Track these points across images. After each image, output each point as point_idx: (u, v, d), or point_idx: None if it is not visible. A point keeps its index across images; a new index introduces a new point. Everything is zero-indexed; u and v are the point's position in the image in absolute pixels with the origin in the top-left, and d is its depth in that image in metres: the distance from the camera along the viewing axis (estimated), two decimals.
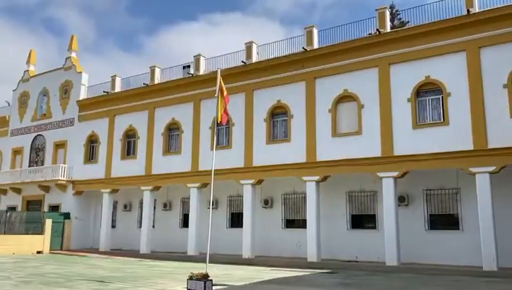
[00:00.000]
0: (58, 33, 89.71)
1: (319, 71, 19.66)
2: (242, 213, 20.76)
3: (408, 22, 22.31)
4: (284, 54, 20.86)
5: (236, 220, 22.41)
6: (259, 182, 20.67)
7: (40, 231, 24.76)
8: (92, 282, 11.70)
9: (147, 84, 25.36)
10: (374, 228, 18.91)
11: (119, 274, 14.06)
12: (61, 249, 25.63)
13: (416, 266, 16.20)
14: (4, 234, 23.58)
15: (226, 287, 11.02)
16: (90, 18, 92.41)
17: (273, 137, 20.73)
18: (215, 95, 11.05)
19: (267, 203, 21.59)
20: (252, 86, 21.47)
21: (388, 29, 18.51)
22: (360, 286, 11.90)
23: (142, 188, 24.17)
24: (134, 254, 23.01)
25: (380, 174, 17.36)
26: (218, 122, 11.25)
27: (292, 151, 19.63)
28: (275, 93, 20.75)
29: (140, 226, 24.33)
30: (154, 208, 24.82)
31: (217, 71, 12.22)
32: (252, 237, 19.97)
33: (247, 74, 21.62)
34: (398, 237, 16.79)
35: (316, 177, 18.79)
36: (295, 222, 21.09)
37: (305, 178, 19.05)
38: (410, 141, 17.03)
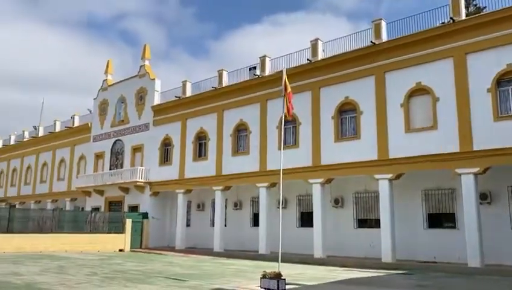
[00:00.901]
0: (133, 43, 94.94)
1: (388, 65, 18.99)
2: (312, 212, 20.60)
3: (485, 7, 20.82)
4: (351, 49, 20.38)
5: (306, 219, 22.29)
6: (329, 181, 20.39)
7: (121, 230, 26.35)
8: (170, 279, 12.24)
9: (215, 88, 26.06)
10: (453, 227, 17.86)
11: (195, 272, 14.57)
12: (140, 247, 27.09)
13: (504, 268, 15.06)
14: (90, 233, 25.41)
15: (298, 286, 11.00)
16: (161, 27, 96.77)
17: (341, 135, 20.34)
18: (281, 94, 11.08)
19: (338, 202, 21.23)
20: (318, 84, 21.24)
21: (463, 17, 17.40)
22: (439, 288, 11.30)
23: (214, 188, 24.86)
24: (208, 252, 23.71)
25: (459, 171, 16.36)
26: (286, 116, 11.27)
27: (362, 149, 19.13)
28: (342, 90, 20.36)
29: (213, 225, 25.04)
30: (226, 207, 25.43)
31: (281, 71, 12.25)
32: (323, 237, 19.75)
33: (313, 72, 21.42)
34: (480, 236, 15.71)
35: (389, 175, 18.15)
36: (367, 222, 20.54)
37: (377, 176, 18.48)
38: (491, 133, 15.87)
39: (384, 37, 19.43)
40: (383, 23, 19.61)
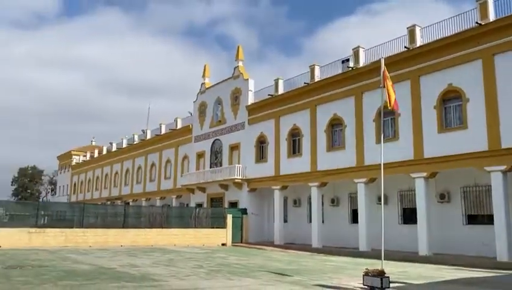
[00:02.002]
0: (228, 46, 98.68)
1: (498, 46, 17.28)
2: (415, 208, 19.56)
3: None
4: (453, 33, 18.92)
5: (409, 215, 21.24)
6: (433, 174, 19.19)
7: (223, 225, 27.54)
8: (271, 273, 12.51)
9: (308, 83, 25.97)
10: None
11: (295, 267, 14.70)
12: (241, 242, 28.06)
13: None
14: (195, 227, 26.96)
15: (403, 285, 10.54)
16: (253, 28, 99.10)
17: (445, 125, 19.01)
18: (380, 86, 10.66)
19: (444, 197, 19.89)
20: (417, 72, 20.08)
21: None
22: None
23: (309, 184, 24.83)
24: (307, 248, 23.76)
25: None
26: (390, 108, 10.80)
27: (470, 139, 17.68)
28: (444, 77, 19.01)
29: (311, 221, 25.02)
30: (322, 203, 25.24)
31: (377, 61, 11.81)
32: (429, 234, 18.65)
33: (411, 60, 20.30)
34: None
35: (503, 167, 16.55)
36: (478, 218, 18.96)
37: (488, 168, 16.96)
38: None
39: (492, 17, 17.72)
40: (490, 1, 17.88)
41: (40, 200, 68.96)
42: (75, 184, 61.87)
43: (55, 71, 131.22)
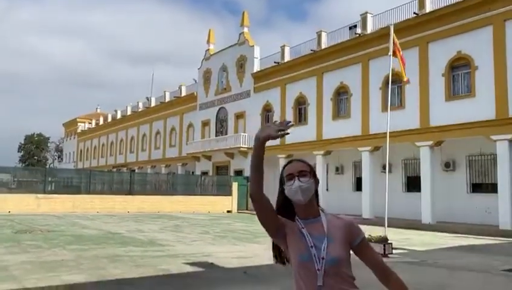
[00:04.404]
0: (236, 12, 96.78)
1: (510, 12, 16.81)
2: (419, 177, 19.62)
3: None
4: None
5: (413, 184, 21.33)
6: (438, 143, 19.13)
7: (229, 193, 27.84)
8: None
9: (314, 50, 25.57)
10: None
11: None
12: (246, 209, 28.42)
13: None
14: (200, 195, 27.29)
15: (406, 251, 10.70)
16: None
17: (453, 93, 18.79)
18: (388, 54, 10.46)
19: (448, 166, 19.90)
20: (426, 39, 19.68)
21: None
22: None
23: (314, 153, 24.86)
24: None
25: None
26: (404, 81, 10.67)
27: (478, 107, 17.49)
28: (454, 44, 18.63)
29: None
30: (327, 172, 25.34)
31: (385, 28, 11.56)
32: (432, 202, 18.78)
33: (420, 26, 19.86)
34: None
35: (509, 136, 16.44)
36: (482, 186, 19.02)
37: (494, 137, 16.85)
38: None
39: None
40: None
41: (47, 167, 69.72)
42: (81, 151, 62.37)
43: (59, 38, 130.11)
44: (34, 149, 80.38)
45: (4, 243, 10.41)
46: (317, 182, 1.86)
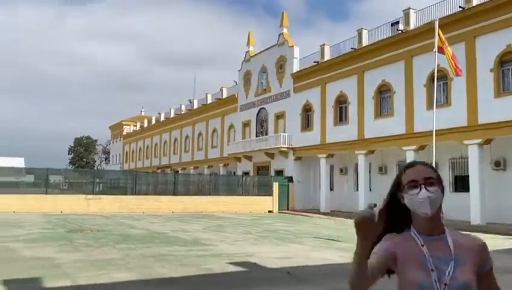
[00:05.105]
0: (276, 14, 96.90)
1: None
2: (467, 176, 18.88)
3: None
4: None
5: (460, 183, 20.55)
6: (488, 141, 18.33)
7: (269, 193, 27.92)
8: (319, 239, 12.66)
9: (355, 48, 25.19)
10: None
11: (342, 234, 14.74)
12: (287, 209, 28.38)
13: None
14: (242, 195, 27.53)
15: None
16: None
17: (503, 89, 17.95)
18: (433, 49, 10.15)
19: (499, 165, 19.01)
20: (473, 33, 18.91)
21: None
22: None
23: (356, 152, 24.49)
24: (353, 215, 23.57)
25: None
26: (454, 75, 10.34)
27: None
28: (503, 38, 17.80)
29: (357, 189, 24.82)
30: (370, 171, 24.90)
31: (429, 23, 11.22)
32: (482, 202, 18.02)
33: (466, 20, 19.11)
34: None
35: None
36: None
37: None
38: None
39: None
40: None
41: (95, 168, 72.62)
42: (126, 153, 64.49)
43: (106, 44, 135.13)
44: (83, 151, 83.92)
45: (58, 241, 10.97)
46: (443, 190, 1.55)
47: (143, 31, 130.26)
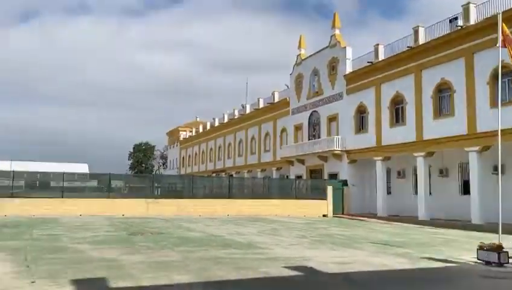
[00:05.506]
0: (327, 15, 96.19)
1: None
2: None
3: None
4: None
5: None
6: None
7: (323, 197, 27.59)
8: (376, 245, 12.32)
9: (411, 47, 24.36)
10: None
11: (400, 239, 14.28)
12: (342, 214, 27.90)
13: None
14: (295, 198, 27.42)
15: None
16: None
17: None
18: (497, 45, 9.58)
19: None
20: None
21: None
22: None
23: (415, 154, 23.62)
24: (412, 220, 22.82)
25: None
26: None
27: None
28: None
29: (416, 193, 23.92)
30: (430, 174, 23.91)
31: (491, 17, 10.61)
32: None
33: None
34: None
35: None
36: None
37: None
38: None
39: None
40: None
41: (153, 173, 75.33)
42: (183, 158, 66.39)
43: (163, 53, 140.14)
44: (142, 157, 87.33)
45: (121, 243, 11.50)
46: None
47: (198, 39, 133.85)
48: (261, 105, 42.58)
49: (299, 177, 33.17)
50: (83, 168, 60.59)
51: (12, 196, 22.58)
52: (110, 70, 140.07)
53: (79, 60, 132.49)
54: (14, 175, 23.49)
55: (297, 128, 35.97)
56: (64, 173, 24.71)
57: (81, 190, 27.71)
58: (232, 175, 43.06)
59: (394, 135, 25.47)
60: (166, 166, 78.81)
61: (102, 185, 27.03)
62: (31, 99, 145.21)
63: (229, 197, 26.25)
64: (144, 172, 79.29)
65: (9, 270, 7.43)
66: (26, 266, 7.82)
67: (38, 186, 26.75)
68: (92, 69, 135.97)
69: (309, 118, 34.27)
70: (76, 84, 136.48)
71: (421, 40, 23.84)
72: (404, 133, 24.59)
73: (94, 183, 30.67)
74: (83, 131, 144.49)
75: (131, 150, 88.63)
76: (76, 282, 6.59)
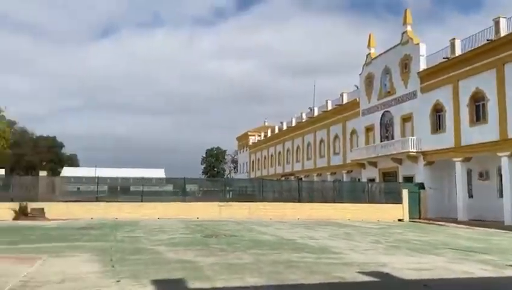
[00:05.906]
0: (396, 12, 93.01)
1: None
2: None
3: None
4: None
5: None
6: None
7: (398, 201, 26.50)
8: (457, 251, 11.62)
9: (492, 40, 22.73)
10: None
11: (484, 245, 13.34)
12: (419, 218, 26.60)
13: None
14: (368, 202, 26.64)
15: None
16: None
17: None
18: None
19: None
20: None
21: None
22: None
23: (499, 154, 21.97)
24: (497, 225, 21.20)
25: None
26: None
27: None
28: None
29: (502, 196, 22.20)
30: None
31: None
32: None
33: None
34: None
35: None
36: None
37: None
38: None
39: None
40: None
41: (225, 177, 77.20)
42: (253, 162, 67.33)
43: (233, 60, 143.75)
44: (214, 161, 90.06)
45: (196, 245, 11.91)
46: None
47: (266, 44, 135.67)
48: (330, 107, 42.03)
49: (371, 180, 32.19)
50: (159, 173, 63.76)
51: (97, 200, 24.27)
52: (183, 79, 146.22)
53: (154, 70, 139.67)
54: (98, 181, 25.24)
55: (368, 129, 34.99)
56: (143, 178, 26.12)
57: (158, 194, 29.14)
58: (301, 178, 42.88)
59: (475, 134, 23.91)
60: (237, 170, 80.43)
61: (177, 189, 28.19)
62: (109, 108, 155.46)
63: (298, 201, 26.14)
64: (216, 176, 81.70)
65: (97, 270, 8.01)
66: (112, 266, 8.38)
67: (120, 190, 28.55)
68: (166, 78, 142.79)
69: (381, 119, 33.20)
70: (151, 93, 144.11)
71: (503, 31, 22.19)
72: (486, 132, 22.99)
73: (170, 187, 32.11)
74: (158, 138, 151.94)
75: (204, 155, 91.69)
76: (156, 282, 6.93)
